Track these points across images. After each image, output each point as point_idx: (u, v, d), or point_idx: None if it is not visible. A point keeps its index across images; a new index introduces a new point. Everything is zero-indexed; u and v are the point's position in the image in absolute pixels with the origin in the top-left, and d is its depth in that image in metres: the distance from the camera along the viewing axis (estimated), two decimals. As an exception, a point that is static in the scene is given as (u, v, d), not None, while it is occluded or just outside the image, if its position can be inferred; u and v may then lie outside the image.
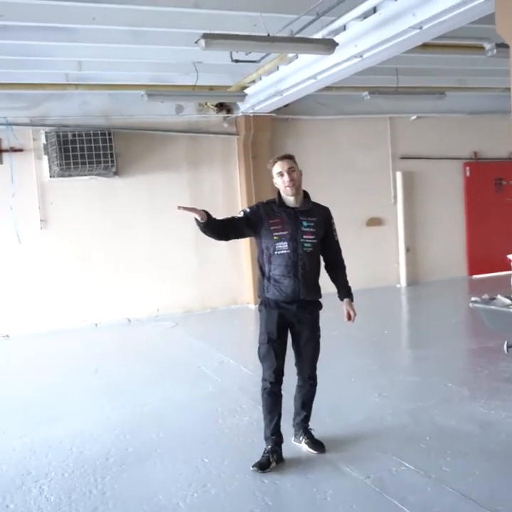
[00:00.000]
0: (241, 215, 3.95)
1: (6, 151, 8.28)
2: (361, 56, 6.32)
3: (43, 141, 8.41)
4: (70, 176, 8.38)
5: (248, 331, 8.11)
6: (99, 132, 8.35)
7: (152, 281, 9.12)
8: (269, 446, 3.97)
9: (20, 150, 8.37)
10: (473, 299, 5.12)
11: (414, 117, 10.40)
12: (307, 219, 3.89)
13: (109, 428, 4.79)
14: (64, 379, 6.30)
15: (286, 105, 9.11)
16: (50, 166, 8.39)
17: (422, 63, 8.01)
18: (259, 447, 4.19)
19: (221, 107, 9.20)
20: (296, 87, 7.66)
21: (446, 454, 3.97)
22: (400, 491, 3.53)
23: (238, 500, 3.56)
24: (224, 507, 3.49)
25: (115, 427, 4.80)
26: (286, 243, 3.84)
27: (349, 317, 4.02)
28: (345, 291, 4.07)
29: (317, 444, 4.13)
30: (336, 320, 7.93)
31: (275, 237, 3.85)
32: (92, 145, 8.31)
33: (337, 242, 4.04)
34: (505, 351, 5.34)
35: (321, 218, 3.96)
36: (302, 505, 3.48)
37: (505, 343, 5.31)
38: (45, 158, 8.43)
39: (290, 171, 3.85)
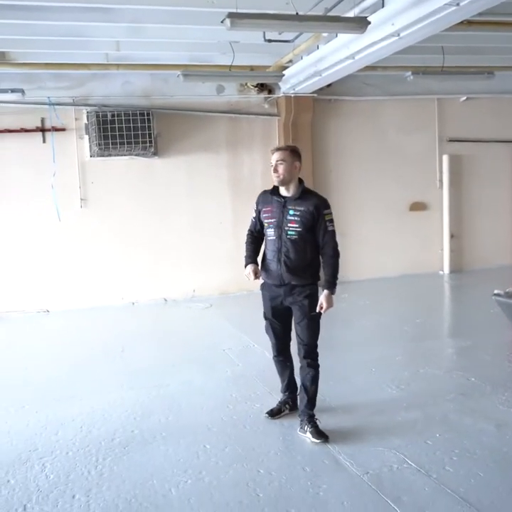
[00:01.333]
0: (253, 215, 4.34)
1: (49, 130, 8.37)
2: (398, 34, 6.04)
3: (85, 120, 8.45)
4: (109, 155, 8.43)
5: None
6: (138, 112, 8.33)
7: (189, 262, 9.12)
8: (283, 398, 4.50)
9: (63, 129, 8.45)
10: (496, 291, 4.85)
11: (463, 98, 9.95)
12: (294, 208, 4.04)
13: (122, 409, 4.82)
14: (90, 357, 6.37)
15: (329, 85, 8.91)
16: (90, 146, 8.46)
17: (468, 41, 7.64)
18: (263, 436, 4.18)
19: (262, 87, 9.04)
20: (335, 67, 7.42)
21: (452, 453, 3.80)
22: (396, 490, 3.40)
23: (230, 490, 3.51)
24: (213, 496, 3.45)
25: (127, 409, 4.82)
26: (273, 230, 4.10)
27: (321, 307, 4.05)
28: (325, 282, 4.07)
29: (320, 434, 4.07)
30: (367, 307, 8.17)
31: (266, 224, 4.17)
32: (132, 125, 8.30)
33: (330, 233, 4.06)
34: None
35: (310, 208, 4.03)
36: (292, 498, 3.39)
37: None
38: (86, 137, 8.49)
39: (278, 163, 3.99)
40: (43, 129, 8.39)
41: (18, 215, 8.48)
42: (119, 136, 8.27)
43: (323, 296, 4.06)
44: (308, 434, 4.10)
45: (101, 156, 8.41)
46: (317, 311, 4.07)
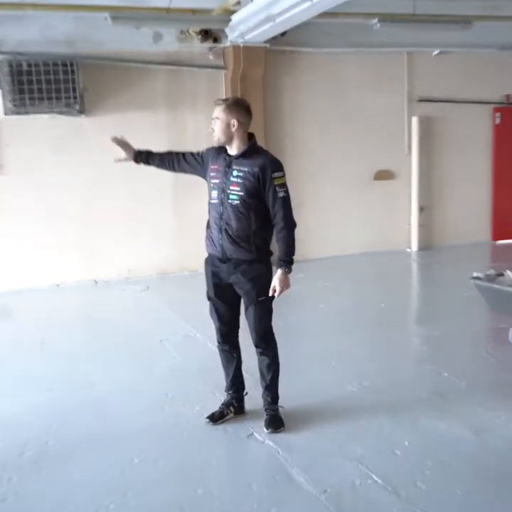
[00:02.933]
0: (195, 151, 4.16)
1: (-49, 81, 7.82)
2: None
3: None
4: (26, 113, 7.97)
5: None
6: (60, 62, 7.86)
7: (124, 238, 8.78)
8: (226, 399, 4.26)
9: None
10: (475, 274, 4.65)
11: (436, 52, 9.76)
12: (239, 168, 3.87)
13: (36, 414, 4.48)
14: (1, 351, 6.03)
15: (283, 34, 8.59)
16: (3, 102, 7.95)
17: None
18: (203, 446, 3.92)
19: (206, 35, 8.62)
20: (290, 11, 7.05)
21: (424, 465, 3.57)
22: (358, 512, 3.15)
23: (158, 515, 3.21)
24: (138, 524, 3.15)
25: (43, 414, 4.48)
26: (216, 192, 3.95)
27: (274, 290, 3.87)
28: (278, 260, 3.88)
29: (272, 422, 4.05)
30: (326, 289, 7.98)
31: (212, 184, 4.00)
32: (52, 77, 7.84)
33: (280, 200, 3.85)
34: (511, 340, 4.90)
35: (255, 169, 3.83)
36: (234, 526, 3.12)
37: (511, 330, 4.85)
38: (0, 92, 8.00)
39: (212, 119, 3.89)
40: None
41: None
42: (37, 90, 7.82)
43: (276, 276, 3.87)
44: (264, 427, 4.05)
45: (17, 113, 7.95)
46: (270, 294, 3.88)
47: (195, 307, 7.11)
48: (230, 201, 3.87)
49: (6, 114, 7.98)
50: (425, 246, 10.05)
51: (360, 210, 9.84)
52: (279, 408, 4.17)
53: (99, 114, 8.45)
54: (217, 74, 8.93)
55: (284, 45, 8.98)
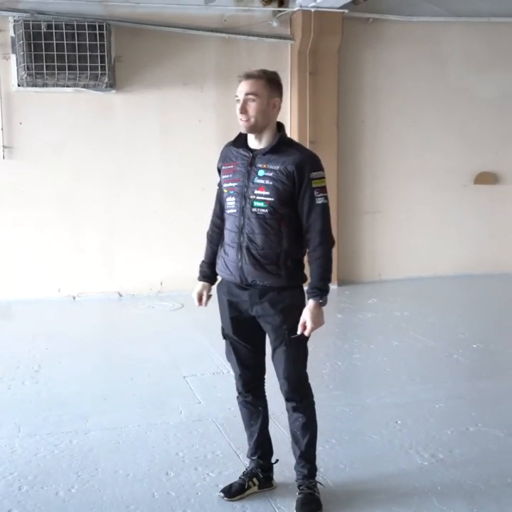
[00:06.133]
0: (218, 182, 3.88)
1: (-42, 44, 7.92)
2: None
3: (11, 33, 7.93)
4: (45, 85, 8.01)
5: None
6: (87, 24, 7.76)
7: (157, 243, 8.73)
8: (249, 468, 4.00)
9: None
10: None
11: None
12: (266, 167, 3.57)
13: (7, 468, 4.20)
14: None
15: (366, -1, 8.52)
16: (17, 70, 7.95)
17: None
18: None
19: (270, -3, 8.62)
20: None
21: None
22: None
23: None
24: None
25: (15, 469, 4.20)
26: (234, 199, 3.67)
27: (303, 327, 3.59)
28: (309, 288, 3.60)
29: (305, 503, 3.71)
30: (403, 321, 7.76)
31: (225, 190, 3.73)
32: (77, 42, 7.75)
33: (318, 208, 3.57)
34: None
35: (289, 168, 3.53)
36: None
37: None
38: (13, 58, 7.99)
39: (247, 99, 3.54)
40: None
41: None
42: (58, 57, 7.72)
43: (307, 308, 3.58)
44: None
45: (33, 85, 8.02)
46: (299, 332, 3.59)
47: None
48: (254, 210, 3.59)
49: (19, 85, 8.03)
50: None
51: (456, 220, 9.72)
52: (318, 485, 3.82)
53: (134, 89, 8.46)
54: (282, 45, 8.87)
55: (365, 12, 8.92)
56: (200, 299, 3.92)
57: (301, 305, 3.60)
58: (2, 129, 8.09)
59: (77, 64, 7.72)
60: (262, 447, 3.96)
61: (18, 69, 7.86)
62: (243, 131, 3.63)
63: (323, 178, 3.58)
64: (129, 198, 8.60)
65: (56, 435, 4.68)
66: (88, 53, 7.73)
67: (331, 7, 8.33)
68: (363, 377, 5.95)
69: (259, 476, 3.92)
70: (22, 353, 6.53)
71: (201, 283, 3.92)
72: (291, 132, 8.73)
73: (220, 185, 3.85)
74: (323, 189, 3.56)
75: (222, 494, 3.84)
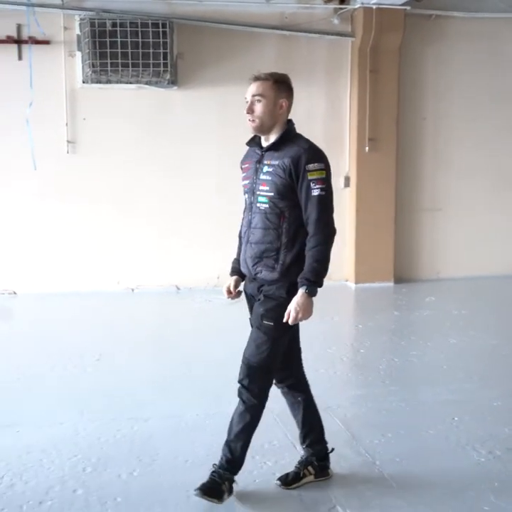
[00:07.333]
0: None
1: (26, 42, 8.05)
2: None
3: (77, 31, 8.09)
4: (108, 82, 8.13)
5: (333, 320, 7.55)
6: (150, 22, 7.91)
7: (215, 237, 8.69)
8: (304, 456, 4.03)
9: (46, 42, 8.14)
10: None
11: None
12: (269, 163, 3.68)
13: (70, 452, 4.32)
14: (51, 363, 6.05)
15: (429, -6, 8.46)
16: (83, 67, 8.09)
17: None
18: None
19: (332, -6, 8.58)
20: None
21: None
22: None
23: None
24: None
25: (78, 452, 4.32)
26: (247, 196, 3.82)
27: (288, 315, 3.58)
28: (300, 277, 3.58)
29: (205, 487, 3.68)
30: (461, 319, 7.74)
31: (242, 187, 3.87)
32: (140, 40, 7.90)
33: (314, 200, 3.58)
34: None
35: (286, 161, 3.60)
36: None
37: None
38: (79, 55, 8.14)
39: (254, 100, 3.63)
40: (18, 41, 8.13)
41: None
42: (122, 55, 7.90)
43: (295, 298, 3.57)
44: None
45: (97, 82, 8.13)
46: (284, 319, 3.58)
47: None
48: (258, 205, 3.70)
49: (84, 81, 8.15)
50: None
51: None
52: (227, 481, 3.74)
53: (195, 86, 8.53)
54: (342, 42, 8.85)
55: (428, 9, 8.85)
56: (229, 292, 3.96)
57: (284, 297, 3.62)
58: (67, 125, 8.25)
59: (140, 61, 7.87)
60: (309, 436, 4.00)
61: (83, 66, 8.01)
62: (251, 131, 3.73)
63: (322, 170, 3.57)
64: (188, 193, 8.67)
65: (118, 421, 4.77)
66: (151, 50, 7.87)
67: (392, 4, 8.28)
68: (419, 374, 5.92)
69: (315, 464, 3.94)
70: (84, 342, 6.68)
71: (232, 278, 3.98)
72: (350, 129, 8.80)
73: None
74: (320, 181, 3.55)
75: (279, 482, 3.89)
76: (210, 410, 5.02)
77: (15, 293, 8.39)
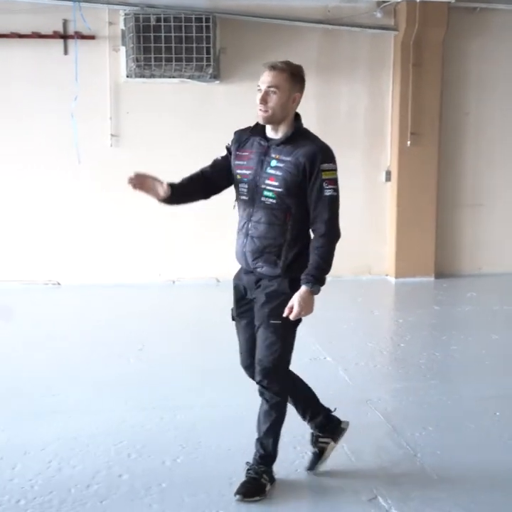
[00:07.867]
0: (220, 155, 4.02)
1: (72, 37, 8.13)
2: None
3: (122, 26, 8.15)
4: (152, 76, 8.16)
5: (373, 314, 7.62)
6: (194, 17, 7.95)
7: None
8: (311, 434, 4.08)
9: (91, 37, 8.20)
10: None
11: None
12: (279, 158, 3.61)
13: (116, 438, 4.43)
14: (96, 352, 6.18)
15: (474, -11, 8.37)
16: (127, 62, 8.16)
17: None
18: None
19: (375, -13, 8.52)
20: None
21: None
22: None
23: None
24: None
25: (124, 438, 4.42)
26: (246, 187, 3.73)
27: (289, 311, 3.56)
28: (305, 273, 3.55)
29: (244, 486, 3.72)
30: (504, 315, 7.72)
31: (238, 176, 3.78)
32: (184, 34, 7.95)
33: (325, 200, 3.56)
34: None
35: (301, 159, 3.55)
36: None
37: None
38: (123, 50, 8.21)
39: (269, 90, 3.55)
40: (64, 36, 8.19)
41: (20, 153, 8.31)
42: (165, 49, 7.94)
43: (297, 293, 3.55)
44: None
45: (141, 76, 8.15)
46: (285, 313, 3.57)
47: (332, 323, 6.98)
48: (263, 199, 3.63)
49: (128, 76, 8.20)
50: None
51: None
52: (266, 474, 3.78)
53: (237, 80, 8.48)
54: (385, 36, 8.79)
55: (472, 1, 8.76)
56: (132, 179, 3.77)
57: (288, 292, 3.60)
58: (111, 118, 8.33)
59: (184, 55, 7.91)
60: (308, 411, 4.04)
61: (127, 60, 8.08)
62: (260, 121, 3.64)
63: (334, 170, 3.55)
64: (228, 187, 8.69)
65: (161, 409, 4.86)
66: (194, 45, 7.91)
67: (436, -3, 8.22)
68: (460, 368, 5.90)
69: (327, 431, 3.99)
70: (127, 333, 6.79)
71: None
72: (392, 123, 8.75)
73: (221, 160, 3.96)
74: (332, 181, 3.54)
75: (308, 471, 4.00)
76: (251, 400, 5.04)
77: (59, 284, 8.51)
